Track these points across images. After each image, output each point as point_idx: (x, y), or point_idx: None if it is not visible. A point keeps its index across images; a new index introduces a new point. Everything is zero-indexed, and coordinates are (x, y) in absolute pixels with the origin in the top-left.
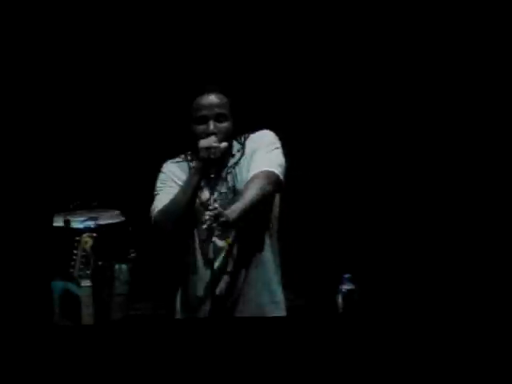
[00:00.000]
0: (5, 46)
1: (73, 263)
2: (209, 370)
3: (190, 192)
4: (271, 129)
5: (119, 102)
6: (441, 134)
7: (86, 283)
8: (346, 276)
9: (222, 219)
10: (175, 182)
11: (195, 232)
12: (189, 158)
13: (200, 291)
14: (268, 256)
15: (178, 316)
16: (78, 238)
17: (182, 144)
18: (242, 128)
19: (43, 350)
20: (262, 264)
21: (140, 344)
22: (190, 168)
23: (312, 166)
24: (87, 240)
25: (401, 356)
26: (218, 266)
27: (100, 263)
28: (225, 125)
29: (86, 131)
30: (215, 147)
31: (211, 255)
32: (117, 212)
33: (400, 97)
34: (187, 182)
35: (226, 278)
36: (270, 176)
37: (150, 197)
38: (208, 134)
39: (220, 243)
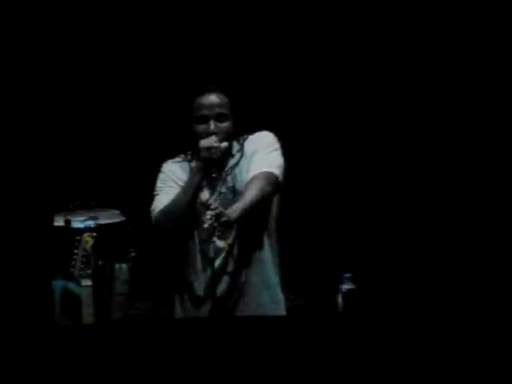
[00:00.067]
0: (5, 46)
1: (73, 263)
2: (209, 370)
3: (190, 192)
4: (271, 129)
5: (119, 102)
6: (441, 134)
7: (87, 283)
8: (346, 275)
9: (224, 219)
10: (175, 182)
11: (195, 232)
12: (189, 157)
13: (200, 291)
14: (267, 256)
15: (178, 316)
16: (78, 238)
17: (183, 144)
18: (242, 128)
19: (44, 349)
20: (261, 264)
21: (140, 343)
22: (190, 168)
23: (311, 166)
24: (88, 239)
25: (401, 355)
26: (218, 267)
27: (100, 263)
28: (225, 124)
29: (86, 131)
30: (216, 147)
31: (212, 255)
32: (117, 211)
33: (398, 97)
34: (188, 182)
35: (226, 278)
36: (270, 177)
37: (150, 196)
38: (209, 134)
39: (220, 243)
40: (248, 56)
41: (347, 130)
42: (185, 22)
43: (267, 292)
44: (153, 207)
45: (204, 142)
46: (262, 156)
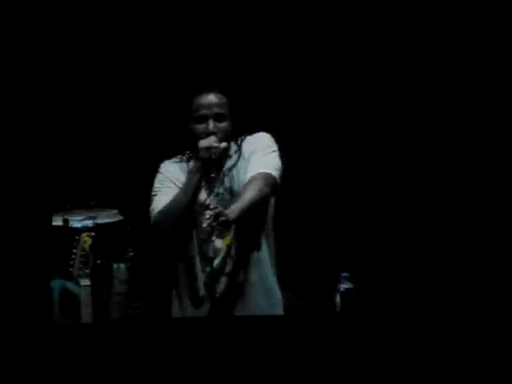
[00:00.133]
0: (5, 46)
1: (72, 262)
2: (207, 369)
3: (190, 192)
4: (269, 129)
5: (118, 102)
6: (439, 133)
7: (86, 282)
8: (344, 275)
9: (223, 218)
10: (173, 183)
11: (193, 233)
12: (187, 158)
13: (199, 292)
14: (265, 256)
15: (176, 316)
16: (77, 238)
17: (181, 143)
18: (240, 128)
19: (42, 348)
20: (259, 264)
21: (138, 343)
22: (188, 168)
23: (310, 165)
24: (86, 239)
25: (399, 355)
26: (217, 267)
27: (99, 262)
28: (224, 124)
29: (84, 131)
30: (215, 147)
31: (210, 255)
32: (115, 211)
33: (395, 99)
34: (187, 183)
35: (224, 278)
36: (268, 178)
37: (148, 196)
38: (208, 134)
39: (219, 244)
40: (247, 56)
41: (345, 129)
42: (184, 22)
43: (265, 292)
44: (152, 208)
45: (203, 142)
46: (259, 157)
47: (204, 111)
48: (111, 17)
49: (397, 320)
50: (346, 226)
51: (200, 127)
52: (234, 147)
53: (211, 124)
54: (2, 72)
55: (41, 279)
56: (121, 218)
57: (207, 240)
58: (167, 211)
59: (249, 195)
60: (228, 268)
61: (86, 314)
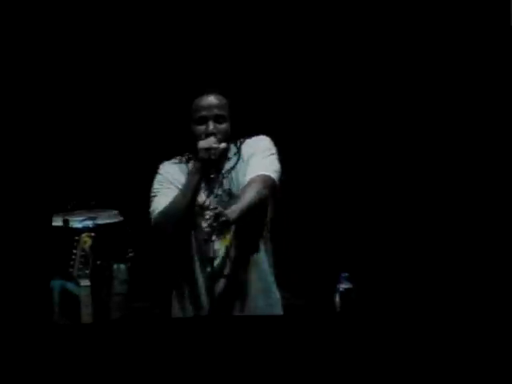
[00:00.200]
0: (4, 46)
1: (72, 263)
2: (207, 369)
3: (189, 193)
4: (268, 130)
5: (118, 103)
6: (435, 134)
7: (85, 283)
8: (344, 275)
9: (223, 218)
10: (173, 184)
11: (192, 234)
12: (186, 159)
13: (198, 293)
14: (263, 256)
15: (176, 316)
16: (77, 238)
17: (181, 144)
18: (240, 130)
19: (42, 349)
20: (257, 265)
21: (139, 343)
22: (187, 169)
23: (309, 165)
24: (86, 240)
25: (398, 355)
26: (216, 269)
27: (99, 263)
28: (224, 126)
29: (84, 131)
30: (215, 148)
31: (210, 256)
32: (115, 212)
33: (392, 105)
34: (186, 183)
35: (223, 279)
36: (267, 180)
37: (148, 196)
38: (207, 135)
39: (218, 245)
40: (247, 58)
41: (344, 129)
42: (184, 24)
43: (264, 293)
44: (152, 209)
45: (203, 143)
46: (259, 160)
47: (204, 112)
48: (112, 19)
49: (396, 320)
50: (345, 226)
51: (200, 128)
52: (233, 149)
53: (211, 125)
54: (2, 72)
55: (41, 279)
56: (121, 218)
57: (207, 240)
58: (167, 212)
59: (248, 197)
60: (227, 269)
61: (86, 314)
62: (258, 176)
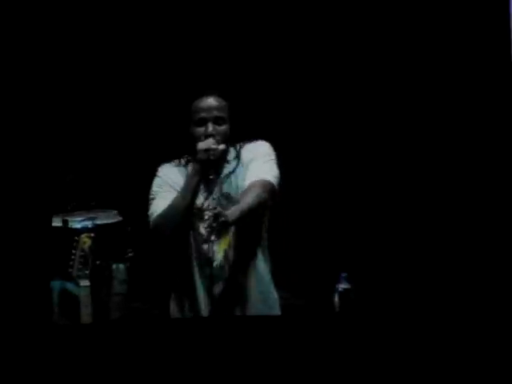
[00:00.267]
0: (4, 46)
1: (71, 263)
2: (207, 370)
3: (189, 195)
4: (268, 132)
5: (118, 104)
6: (432, 135)
7: (85, 283)
8: (343, 275)
9: (222, 219)
10: (171, 186)
11: (190, 238)
12: (185, 161)
13: (196, 296)
14: (261, 260)
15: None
16: (76, 238)
17: (180, 145)
18: (239, 132)
19: (42, 349)
20: (256, 268)
21: (138, 343)
22: (186, 172)
23: (309, 165)
24: (86, 240)
25: (397, 355)
26: (214, 272)
27: (98, 263)
28: (223, 127)
29: (84, 132)
30: (214, 149)
31: (210, 255)
32: (114, 212)
33: (390, 109)
34: (186, 185)
35: (222, 282)
36: (266, 185)
37: (147, 197)
38: (207, 136)
39: (216, 249)
40: (246, 60)
41: (343, 129)
42: (184, 25)
43: (263, 295)
44: (151, 212)
45: (202, 144)
46: (259, 164)
47: (203, 114)
48: (111, 21)
49: (395, 320)
50: (344, 226)
51: (199, 130)
52: (232, 153)
53: (210, 127)
54: (1, 73)
55: (40, 280)
56: (120, 218)
57: (206, 241)
58: (166, 215)
59: (248, 200)
60: (225, 272)
61: (86, 314)
62: (257, 180)
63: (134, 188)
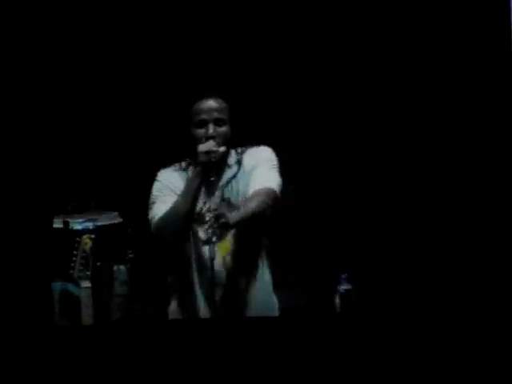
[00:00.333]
0: (5, 46)
1: (73, 264)
2: (207, 370)
3: (190, 198)
4: (267, 133)
5: (118, 105)
6: (432, 137)
7: (86, 284)
8: (343, 276)
9: (223, 220)
10: (172, 190)
11: (190, 241)
12: (185, 166)
13: (195, 301)
14: (262, 267)
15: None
16: (77, 240)
17: (181, 147)
18: (239, 133)
19: (43, 350)
20: (256, 273)
21: (139, 344)
22: (186, 176)
23: (308, 166)
24: (87, 241)
25: (398, 355)
26: (214, 278)
27: (99, 264)
28: (223, 129)
29: (85, 133)
30: (215, 151)
31: (210, 259)
32: (115, 213)
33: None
34: (187, 188)
35: (221, 288)
36: (270, 193)
37: (148, 197)
38: (207, 138)
39: (217, 254)
40: (246, 62)
41: (343, 129)
42: (184, 27)
43: (262, 303)
44: (152, 215)
45: (202, 147)
46: (263, 172)
47: (204, 116)
48: (112, 22)
49: (396, 321)
50: (345, 226)
51: (200, 131)
52: (234, 157)
53: (211, 128)
54: (2, 73)
55: (42, 281)
56: (121, 220)
57: (207, 242)
58: (168, 218)
59: (251, 207)
60: (224, 277)
61: (87, 315)
62: (261, 189)
63: (135, 189)
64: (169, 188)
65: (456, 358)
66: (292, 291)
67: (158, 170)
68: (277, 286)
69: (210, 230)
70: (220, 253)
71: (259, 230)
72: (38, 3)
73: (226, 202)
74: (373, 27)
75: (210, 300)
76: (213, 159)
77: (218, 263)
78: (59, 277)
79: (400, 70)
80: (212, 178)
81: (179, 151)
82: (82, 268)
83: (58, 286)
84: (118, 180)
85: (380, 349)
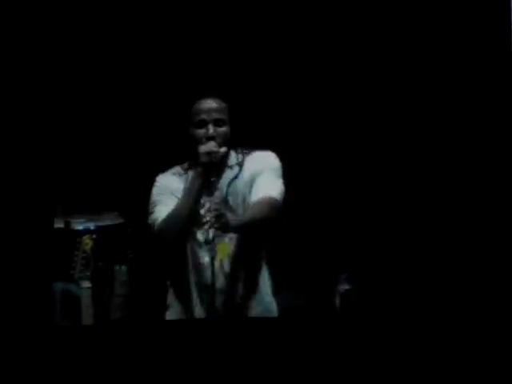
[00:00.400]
0: (5, 46)
1: (73, 264)
2: (208, 371)
3: (192, 198)
4: (267, 134)
5: (119, 105)
6: (429, 135)
7: (87, 284)
8: (343, 276)
9: (223, 220)
10: (172, 194)
11: (189, 244)
12: (184, 169)
13: (192, 307)
14: (259, 270)
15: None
16: (78, 240)
17: (180, 147)
18: (239, 133)
19: (44, 350)
20: (254, 278)
21: (139, 344)
22: (185, 179)
23: (308, 166)
24: (87, 242)
25: (398, 355)
26: (211, 281)
27: (100, 264)
28: (223, 129)
29: (85, 134)
30: (216, 152)
31: (207, 263)
32: (115, 213)
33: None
34: (188, 189)
35: (219, 293)
36: (273, 203)
37: (148, 198)
38: (207, 138)
39: (213, 257)
40: (246, 62)
41: (343, 129)
42: (184, 28)
43: (260, 304)
44: (154, 218)
45: (203, 148)
46: (268, 180)
47: (204, 116)
48: (112, 23)
49: (396, 321)
50: (344, 227)
51: (200, 132)
52: (234, 159)
53: (211, 129)
54: (2, 74)
55: (43, 281)
56: (121, 220)
57: (206, 243)
58: (170, 220)
59: (253, 214)
60: (221, 281)
61: (87, 315)
62: (265, 197)
63: (135, 190)
64: (169, 191)
65: (456, 358)
66: (292, 291)
67: (158, 170)
68: (277, 286)
69: (210, 230)
70: (218, 255)
71: (259, 235)
72: (38, 3)
73: (226, 203)
74: (373, 27)
75: (205, 303)
76: (213, 160)
77: (216, 265)
78: (60, 277)
79: (400, 70)
80: (212, 179)
81: (179, 151)
82: (82, 268)
83: (58, 286)
84: (118, 180)
85: (380, 349)
